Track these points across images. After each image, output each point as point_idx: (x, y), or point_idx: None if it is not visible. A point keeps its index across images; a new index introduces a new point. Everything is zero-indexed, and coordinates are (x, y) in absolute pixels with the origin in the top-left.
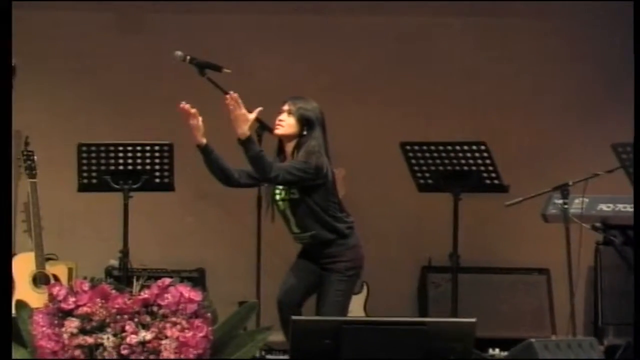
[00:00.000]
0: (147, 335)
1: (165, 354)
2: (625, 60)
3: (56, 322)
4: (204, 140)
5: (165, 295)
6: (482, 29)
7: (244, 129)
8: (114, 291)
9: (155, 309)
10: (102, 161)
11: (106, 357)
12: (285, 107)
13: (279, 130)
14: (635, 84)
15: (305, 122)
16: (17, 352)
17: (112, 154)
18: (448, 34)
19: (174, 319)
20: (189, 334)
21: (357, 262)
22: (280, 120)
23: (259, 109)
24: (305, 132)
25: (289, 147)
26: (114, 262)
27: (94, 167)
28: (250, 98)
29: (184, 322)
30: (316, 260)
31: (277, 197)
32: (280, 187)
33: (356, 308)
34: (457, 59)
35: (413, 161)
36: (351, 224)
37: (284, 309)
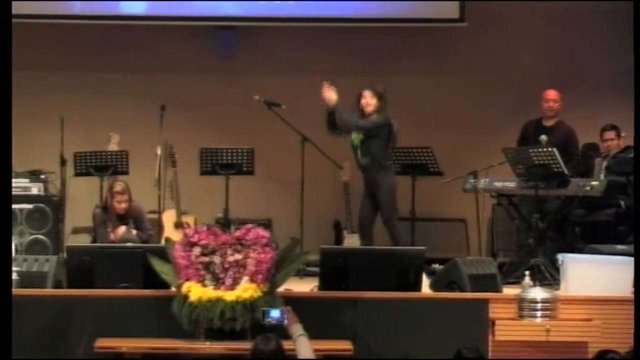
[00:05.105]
0: (239, 256)
1: (249, 267)
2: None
3: (187, 249)
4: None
5: (249, 233)
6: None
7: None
8: (220, 231)
9: (244, 241)
10: (215, 157)
11: (215, 270)
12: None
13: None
14: (636, 84)
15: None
16: (165, 267)
17: (220, 153)
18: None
19: (254, 247)
20: (262, 255)
21: None
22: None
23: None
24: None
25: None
26: (220, 215)
27: (209, 161)
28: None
29: (259, 249)
30: None
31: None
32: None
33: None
34: (413, 106)
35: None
36: None
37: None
